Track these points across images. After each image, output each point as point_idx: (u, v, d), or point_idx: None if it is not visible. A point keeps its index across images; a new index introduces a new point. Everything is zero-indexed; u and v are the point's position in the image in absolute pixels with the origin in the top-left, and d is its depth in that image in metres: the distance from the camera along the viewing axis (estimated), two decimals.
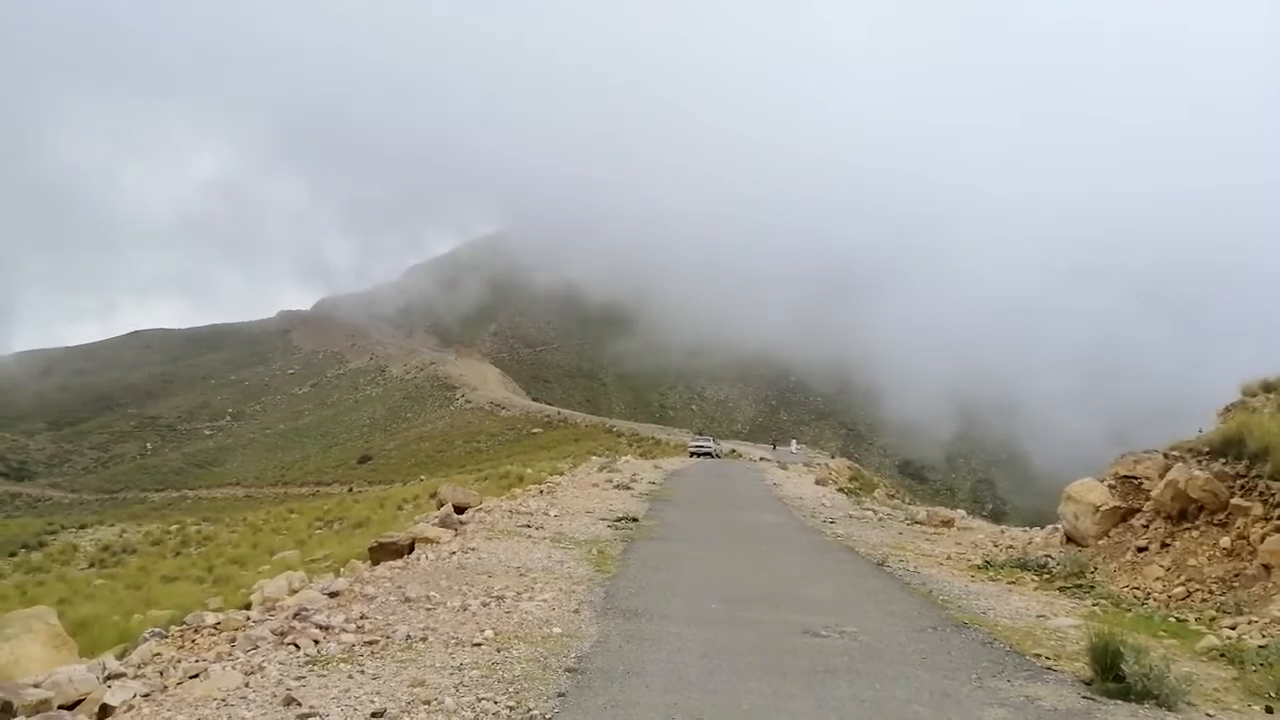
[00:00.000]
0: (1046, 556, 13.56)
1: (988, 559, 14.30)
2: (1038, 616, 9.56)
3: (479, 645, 7.08)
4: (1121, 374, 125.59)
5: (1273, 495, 10.22)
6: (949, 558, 14.47)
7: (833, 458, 69.30)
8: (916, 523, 20.43)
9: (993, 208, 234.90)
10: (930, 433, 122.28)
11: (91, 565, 39.73)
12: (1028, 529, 19.99)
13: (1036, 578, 12.33)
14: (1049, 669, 7.28)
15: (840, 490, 31.31)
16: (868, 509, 23.57)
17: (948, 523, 20.07)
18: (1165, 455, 12.86)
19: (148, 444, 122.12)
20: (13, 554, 45.71)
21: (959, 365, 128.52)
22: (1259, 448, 10.78)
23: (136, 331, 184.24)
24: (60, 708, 6.11)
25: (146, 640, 8.20)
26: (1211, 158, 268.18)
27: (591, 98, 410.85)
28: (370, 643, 7.06)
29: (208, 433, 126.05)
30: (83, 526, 59.56)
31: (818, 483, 32.79)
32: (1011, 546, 15.95)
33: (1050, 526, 16.79)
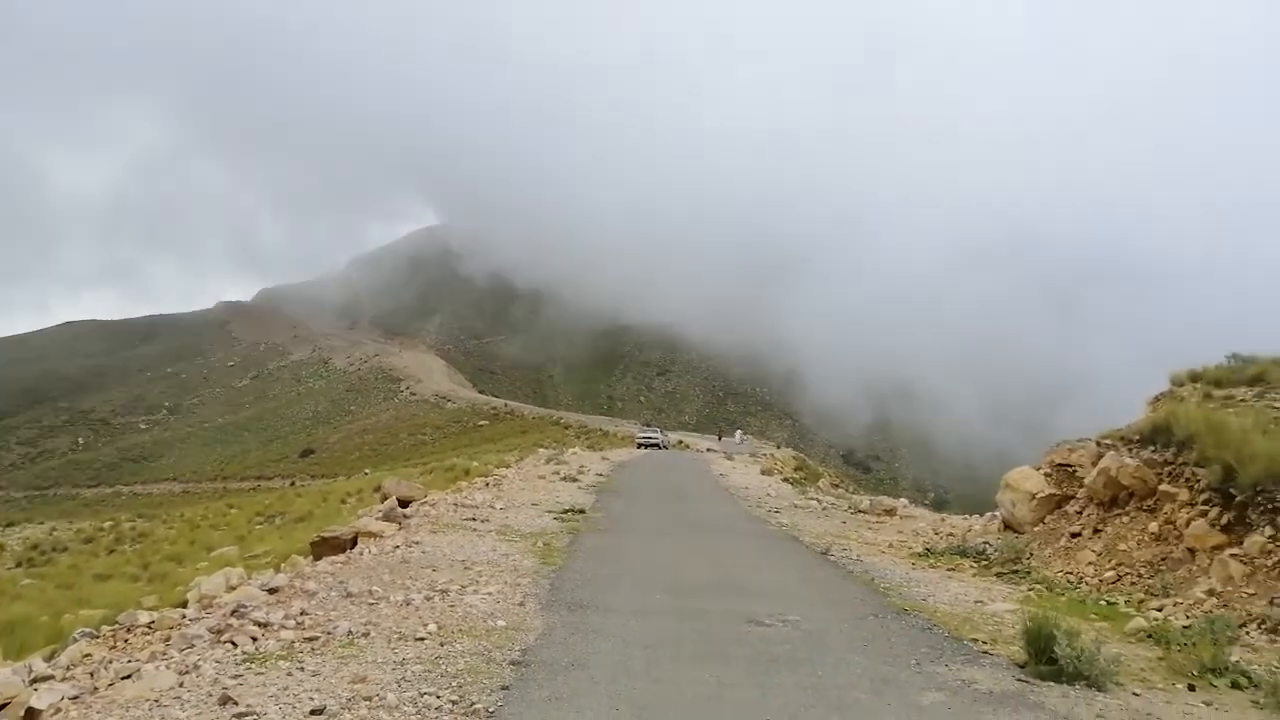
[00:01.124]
0: (985, 543, 13.88)
1: (928, 546, 14.57)
2: (975, 602, 9.78)
3: (422, 640, 7.01)
4: (1007, 360, 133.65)
5: (1198, 481, 10.57)
6: (891, 546, 14.72)
7: (778, 448, 70.06)
8: (860, 512, 20.74)
9: (894, 205, 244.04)
10: (847, 420, 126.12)
11: (19, 565, 38.32)
12: (967, 516, 20.38)
13: (975, 564, 12.61)
14: (985, 653, 7.45)
15: (785, 480, 31.65)
16: (812, 499, 23.86)
17: (890, 511, 20.40)
18: (1098, 443, 13.23)
19: (79, 439, 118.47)
20: None
21: (868, 354, 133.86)
22: (1185, 435, 11.14)
23: (68, 323, 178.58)
24: None
25: (76, 641, 7.96)
26: (1103, 163, 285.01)
27: (524, 89, 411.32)
28: (310, 639, 6.94)
29: (143, 426, 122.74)
30: (10, 524, 57.50)
31: (763, 473, 33.14)
32: (951, 534, 16.28)
33: (989, 514, 17.16)
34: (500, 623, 7.65)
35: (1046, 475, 14.05)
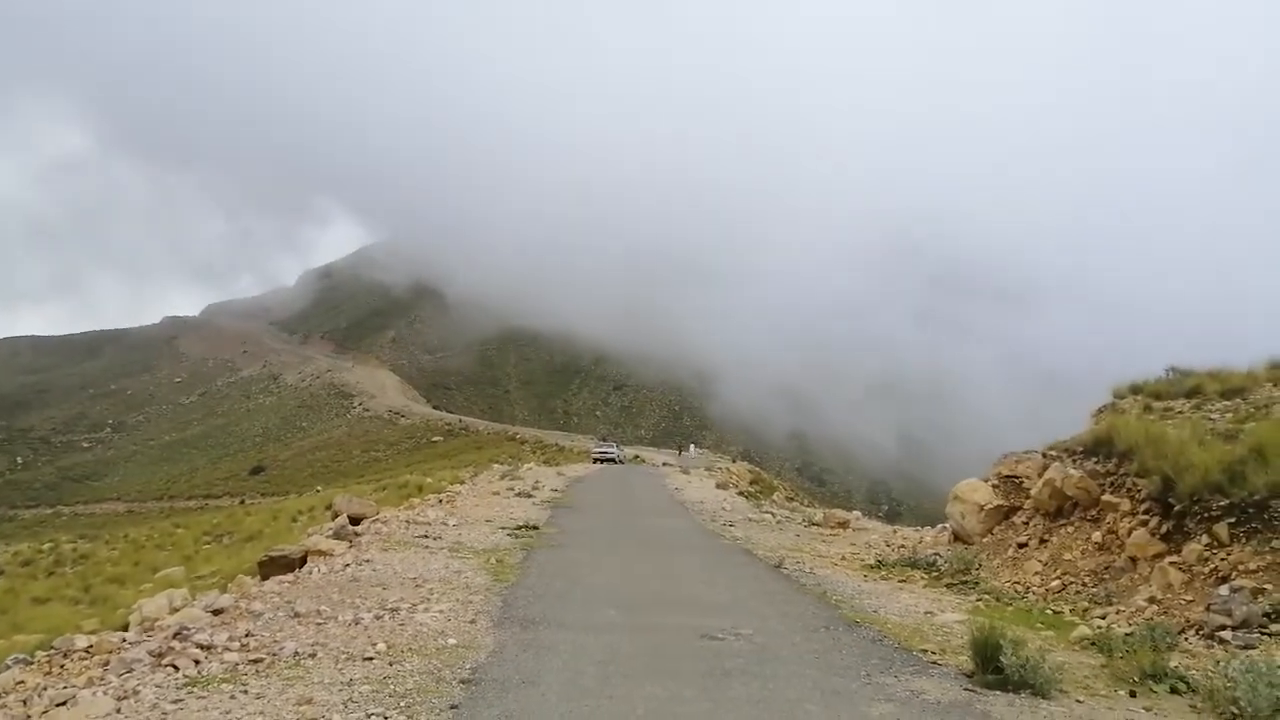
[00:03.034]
0: (935, 555, 14.06)
1: (880, 559, 14.72)
2: (925, 613, 9.89)
3: (371, 660, 6.90)
4: (891, 370, 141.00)
5: (1139, 491, 10.83)
6: (844, 558, 14.84)
7: (734, 462, 70.34)
8: (814, 524, 20.90)
9: (779, 215, 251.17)
10: (767, 428, 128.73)
11: None
12: (919, 529, 20.66)
13: (926, 575, 12.76)
14: (934, 664, 7.53)
15: (740, 494, 31.77)
16: (767, 512, 23.99)
17: (843, 524, 20.58)
18: (1044, 455, 13.52)
19: (18, 458, 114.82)
20: None
21: (771, 362, 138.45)
22: (1126, 447, 11.43)
23: (6, 338, 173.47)
24: None
25: (9, 667, 7.72)
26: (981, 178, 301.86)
27: (463, 104, 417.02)
28: (255, 661, 6.80)
29: (86, 445, 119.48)
30: None
31: (719, 487, 33.22)
32: (903, 546, 16.47)
33: (940, 526, 17.42)
34: (451, 641, 7.56)
35: (995, 487, 14.31)
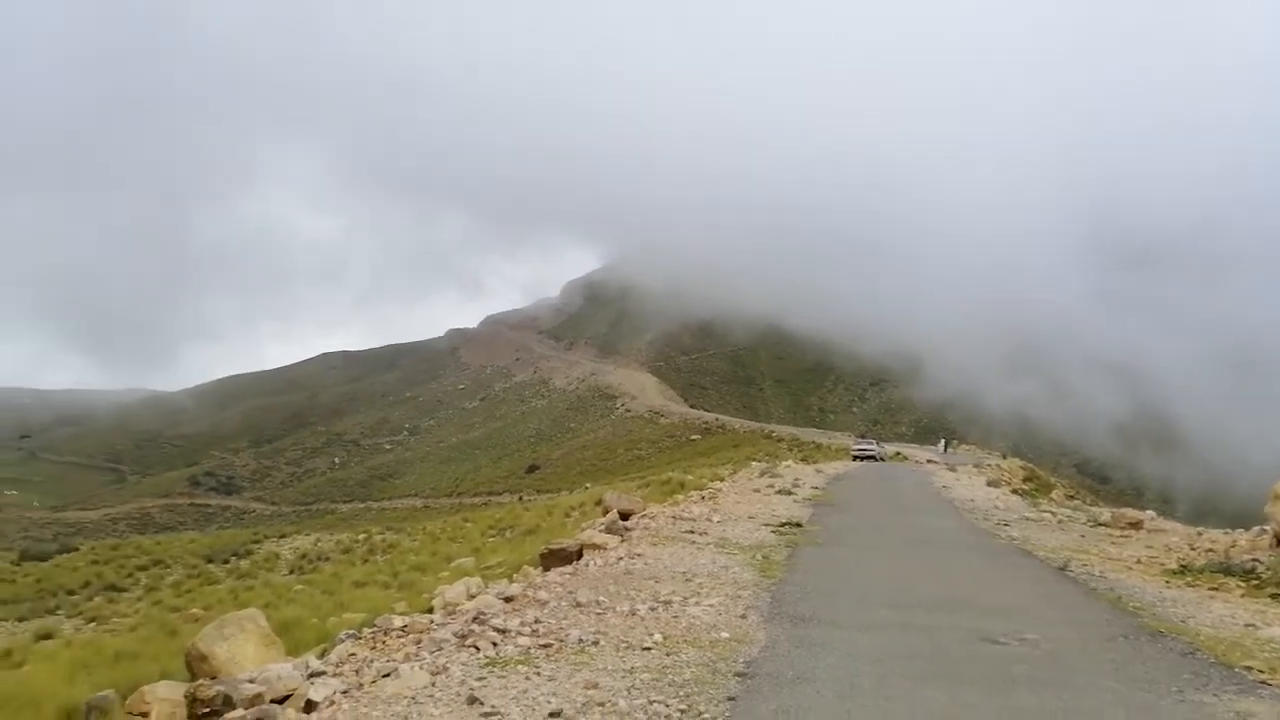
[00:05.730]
0: (1253, 560, 12.44)
1: (1183, 563, 13.25)
2: (1246, 626, 8.79)
3: (648, 649, 7.21)
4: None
5: None
6: (1139, 561, 13.52)
7: (1004, 458, 65.99)
8: (1100, 524, 19.20)
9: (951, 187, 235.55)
10: (983, 413, 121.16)
11: (291, 571, 42.99)
12: (1229, 531, 18.39)
13: (1243, 584, 11.33)
14: (1264, 683, 6.68)
15: (1014, 492, 29.81)
16: (1045, 511, 22.34)
17: (1136, 524, 18.73)
18: None
19: (335, 458, 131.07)
20: (225, 561, 50.20)
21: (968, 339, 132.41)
22: None
23: (324, 354, 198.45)
24: (271, 702, 6.68)
25: (342, 641, 8.82)
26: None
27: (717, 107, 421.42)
28: (545, 645, 7.32)
29: (388, 447, 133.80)
30: (283, 536, 64.42)
31: (989, 484, 31.32)
32: (1211, 550, 14.72)
33: (1257, 528, 15.41)
34: (723, 634, 7.73)
35: None
